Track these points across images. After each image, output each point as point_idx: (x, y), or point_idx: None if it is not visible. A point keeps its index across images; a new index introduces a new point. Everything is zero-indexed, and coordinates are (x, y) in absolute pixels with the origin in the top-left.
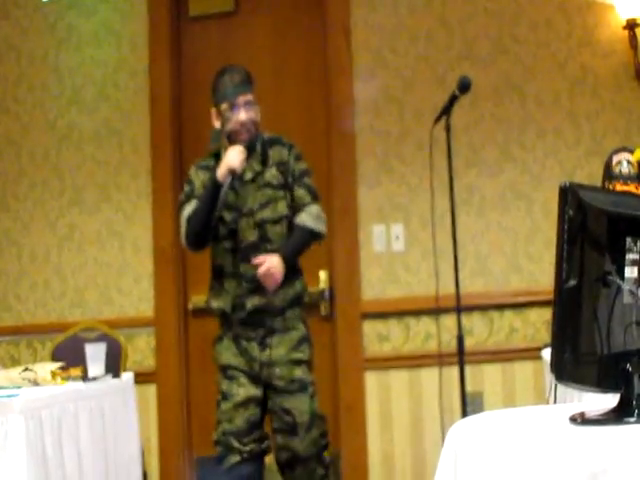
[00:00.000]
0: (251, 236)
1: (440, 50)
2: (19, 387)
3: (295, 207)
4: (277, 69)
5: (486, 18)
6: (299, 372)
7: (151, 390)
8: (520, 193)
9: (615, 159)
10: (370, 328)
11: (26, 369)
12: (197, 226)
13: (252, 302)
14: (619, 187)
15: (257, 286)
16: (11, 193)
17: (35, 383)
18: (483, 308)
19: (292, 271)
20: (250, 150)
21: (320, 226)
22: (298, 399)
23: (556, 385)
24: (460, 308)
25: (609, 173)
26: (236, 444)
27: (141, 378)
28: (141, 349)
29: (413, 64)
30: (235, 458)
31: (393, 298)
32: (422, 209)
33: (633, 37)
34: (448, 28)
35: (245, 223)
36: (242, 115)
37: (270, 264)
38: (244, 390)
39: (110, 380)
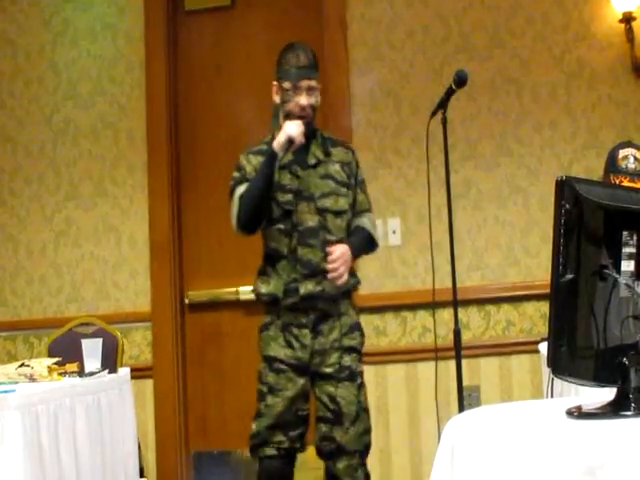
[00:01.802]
0: (311, 221)
1: (437, 44)
2: (15, 382)
3: (355, 211)
4: (273, 63)
5: (482, 12)
6: (348, 360)
7: (148, 385)
8: (517, 187)
9: (622, 153)
10: (367, 322)
11: (22, 364)
12: (252, 202)
13: (306, 287)
14: (626, 183)
15: (313, 271)
16: (7, 188)
17: (31, 378)
18: (480, 302)
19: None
20: (311, 135)
21: (377, 236)
22: (346, 388)
23: (553, 379)
24: (457, 302)
25: (615, 167)
26: (279, 438)
27: (138, 373)
28: (138, 344)
29: (410, 58)
30: (271, 451)
31: (390, 292)
32: (419, 203)
33: (629, 30)
34: (444, 22)
35: (305, 207)
36: (303, 99)
37: (345, 252)
38: (293, 385)
39: (107, 375)
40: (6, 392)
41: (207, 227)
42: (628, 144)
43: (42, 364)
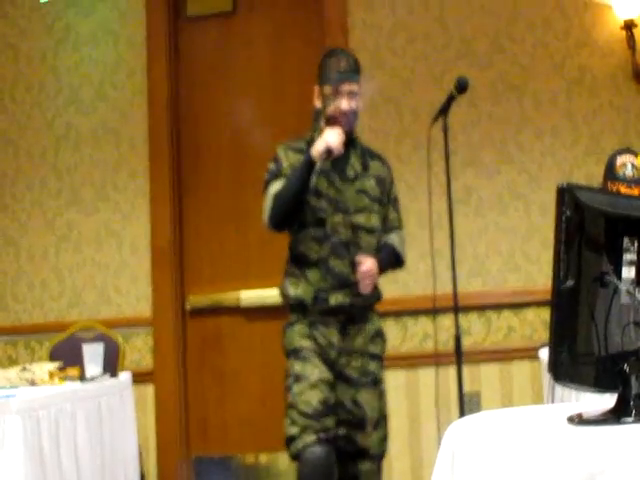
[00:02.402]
0: (343, 234)
1: (438, 50)
2: (17, 387)
3: (385, 227)
4: (275, 69)
5: (484, 18)
6: (373, 366)
7: (149, 390)
8: (518, 193)
9: (619, 161)
10: None
11: (24, 369)
12: (286, 204)
13: (336, 299)
14: (624, 190)
15: (343, 283)
16: (9, 192)
17: (33, 383)
18: (481, 308)
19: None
20: (350, 143)
21: (404, 254)
22: (370, 393)
23: (554, 385)
24: (458, 308)
25: (612, 174)
26: (314, 423)
27: (139, 378)
28: (139, 349)
29: (411, 64)
30: (310, 437)
31: (391, 298)
32: (420, 209)
33: (631, 37)
34: (446, 28)
35: (341, 219)
36: (344, 104)
37: (373, 265)
38: (318, 371)
39: (108, 380)
40: (7, 397)
41: (208, 233)
42: (627, 150)
43: (43, 369)
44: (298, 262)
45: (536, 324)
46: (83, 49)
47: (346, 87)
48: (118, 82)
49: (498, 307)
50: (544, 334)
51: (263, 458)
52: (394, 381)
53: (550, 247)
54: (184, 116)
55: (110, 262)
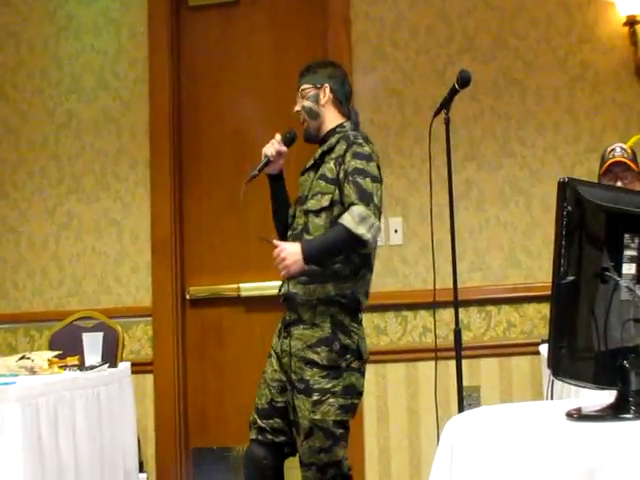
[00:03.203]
0: (299, 225)
1: (440, 44)
2: (16, 375)
3: (345, 205)
4: (277, 60)
5: (486, 12)
6: (309, 374)
7: (148, 380)
8: (519, 188)
9: (608, 148)
10: (367, 321)
11: (23, 357)
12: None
13: (285, 288)
14: (611, 161)
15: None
16: (9, 181)
17: (32, 371)
18: (481, 303)
19: (325, 273)
20: (317, 140)
21: (361, 229)
22: (299, 400)
23: (553, 381)
24: (458, 302)
25: (603, 159)
26: (259, 421)
27: (138, 368)
28: (138, 339)
29: (413, 57)
30: (252, 435)
31: (391, 291)
32: (421, 203)
33: (633, 34)
34: (448, 22)
35: (298, 211)
36: (296, 107)
37: (282, 250)
38: (272, 369)
39: (107, 369)
40: (6, 384)
41: (209, 223)
42: (616, 143)
43: (43, 357)
44: None
45: (536, 319)
46: (85, 38)
47: (299, 91)
48: (120, 71)
49: (498, 302)
50: (544, 330)
51: None
52: (393, 375)
53: (551, 243)
54: (185, 106)
55: (110, 251)
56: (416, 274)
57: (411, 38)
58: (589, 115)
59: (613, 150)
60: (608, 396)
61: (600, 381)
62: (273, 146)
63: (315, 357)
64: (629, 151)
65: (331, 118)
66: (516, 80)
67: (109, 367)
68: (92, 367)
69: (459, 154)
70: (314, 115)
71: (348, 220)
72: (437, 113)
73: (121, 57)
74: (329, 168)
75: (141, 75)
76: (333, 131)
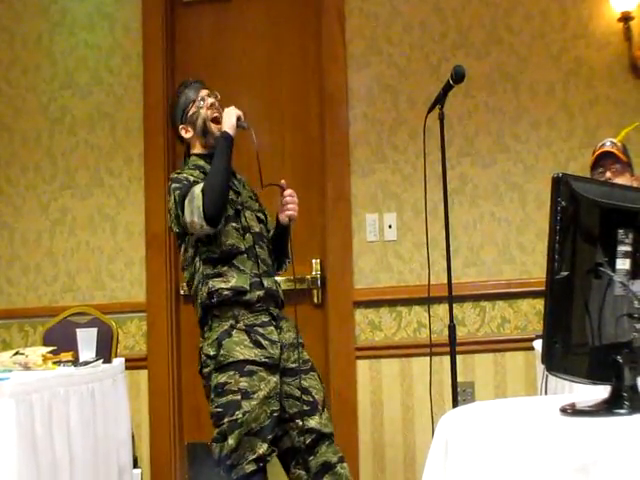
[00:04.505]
0: (256, 227)
1: (434, 39)
2: (10, 371)
3: None
4: (271, 56)
5: (481, 8)
6: (306, 354)
7: (142, 375)
8: (513, 184)
9: (599, 144)
10: (362, 317)
11: (17, 353)
12: (220, 193)
13: (268, 282)
14: (600, 151)
15: (269, 270)
16: (3, 176)
17: (26, 367)
18: (475, 298)
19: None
20: None
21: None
22: (312, 378)
23: (547, 376)
24: (452, 298)
25: (594, 152)
26: (257, 444)
27: (132, 363)
28: (132, 334)
29: (407, 53)
30: (251, 467)
31: (385, 287)
32: (415, 198)
33: (627, 29)
34: (442, 17)
35: (250, 214)
36: (208, 100)
37: (294, 193)
38: (265, 384)
39: (101, 365)
40: (1, 380)
41: None
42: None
43: (37, 353)
44: (227, 255)
45: (530, 315)
46: (79, 33)
47: (203, 91)
48: (114, 67)
49: (493, 297)
50: (538, 325)
51: None
52: (388, 370)
53: (545, 238)
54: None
55: (104, 247)
56: (410, 270)
57: (405, 34)
58: (583, 111)
59: (603, 144)
60: (602, 391)
61: (594, 376)
62: (234, 109)
63: (301, 340)
64: (618, 144)
65: None
66: (510, 75)
67: (103, 363)
68: (86, 363)
69: (453, 149)
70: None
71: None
72: (431, 109)
73: (115, 53)
74: (249, 187)
75: (135, 71)
76: None
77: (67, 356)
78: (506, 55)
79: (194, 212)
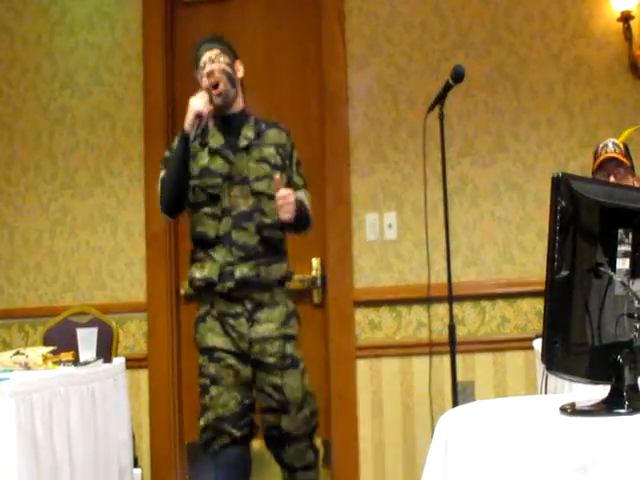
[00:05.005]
0: (244, 205)
1: (434, 39)
2: (10, 370)
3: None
4: (271, 56)
5: (481, 7)
6: (290, 348)
7: (142, 375)
8: (513, 183)
9: (601, 144)
10: (362, 316)
11: (17, 353)
12: (170, 188)
13: (241, 271)
14: (604, 157)
15: (249, 255)
16: (3, 176)
17: (26, 367)
18: (475, 298)
19: (281, 252)
20: (244, 119)
21: (311, 213)
22: (290, 375)
23: (547, 375)
24: (452, 297)
25: (595, 155)
26: (229, 429)
27: (133, 363)
28: (133, 334)
29: (408, 53)
30: (224, 440)
31: (385, 286)
32: (415, 198)
33: (627, 29)
34: (442, 17)
35: (239, 191)
36: (208, 67)
37: (290, 193)
38: (234, 373)
39: (101, 365)
40: (0, 380)
41: None
42: (609, 139)
43: (37, 352)
44: (200, 243)
45: (530, 315)
46: (79, 33)
47: (207, 55)
48: (114, 66)
49: (492, 297)
50: (538, 325)
51: (256, 444)
52: (388, 369)
53: (545, 237)
54: (180, 101)
55: (105, 247)
56: (410, 269)
57: (405, 33)
58: (583, 110)
59: (605, 146)
60: (602, 391)
61: (594, 376)
62: (203, 98)
63: (291, 331)
64: (621, 146)
65: (240, 97)
66: (510, 75)
67: (104, 362)
68: (86, 363)
69: (453, 149)
70: (233, 84)
71: (305, 199)
72: (431, 108)
73: (115, 52)
74: (270, 154)
75: (135, 70)
76: (246, 114)
77: (67, 356)
78: (506, 55)
79: (158, 196)
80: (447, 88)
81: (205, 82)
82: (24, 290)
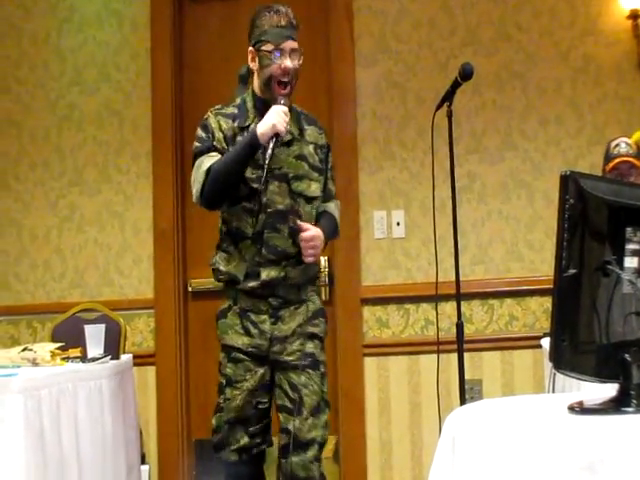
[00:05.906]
0: (281, 204)
1: (443, 37)
2: (18, 367)
3: (324, 197)
4: None
5: (489, 5)
6: (311, 347)
7: (150, 372)
8: (521, 181)
9: (613, 143)
10: (370, 314)
11: (25, 349)
12: (222, 185)
13: (268, 273)
14: (617, 160)
15: (278, 257)
16: (12, 173)
17: (34, 363)
18: (483, 296)
19: None
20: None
21: (339, 226)
22: (308, 376)
23: (555, 374)
24: (460, 295)
25: (608, 155)
26: (241, 434)
27: (140, 360)
28: (140, 331)
29: (416, 50)
30: (233, 456)
31: (393, 284)
32: (423, 195)
33: (636, 27)
34: (451, 15)
35: (277, 187)
36: (288, 62)
37: (318, 235)
38: (252, 376)
39: (109, 361)
40: (9, 376)
41: (210, 215)
42: (620, 136)
43: (45, 349)
44: (233, 237)
45: (538, 313)
46: (87, 30)
47: (288, 44)
48: (122, 63)
49: (501, 295)
50: (546, 323)
51: None
52: (395, 367)
53: (553, 236)
54: (187, 99)
55: (112, 243)
56: (418, 267)
57: (414, 31)
58: (592, 108)
59: (618, 146)
60: (610, 389)
61: (602, 374)
62: (286, 117)
63: (316, 330)
64: (633, 147)
65: None
66: (518, 73)
67: (111, 359)
68: (94, 359)
69: (461, 147)
70: (297, 80)
71: (336, 214)
72: (440, 106)
73: (123, 49)
74: (309, 152)
75: (143, 67)
76: (290, 106)
77: (75, 352)
78: (514, 52)
79: (194, 183)
80: (455, 86)
81: (275, 69)
82: (32, 286)
